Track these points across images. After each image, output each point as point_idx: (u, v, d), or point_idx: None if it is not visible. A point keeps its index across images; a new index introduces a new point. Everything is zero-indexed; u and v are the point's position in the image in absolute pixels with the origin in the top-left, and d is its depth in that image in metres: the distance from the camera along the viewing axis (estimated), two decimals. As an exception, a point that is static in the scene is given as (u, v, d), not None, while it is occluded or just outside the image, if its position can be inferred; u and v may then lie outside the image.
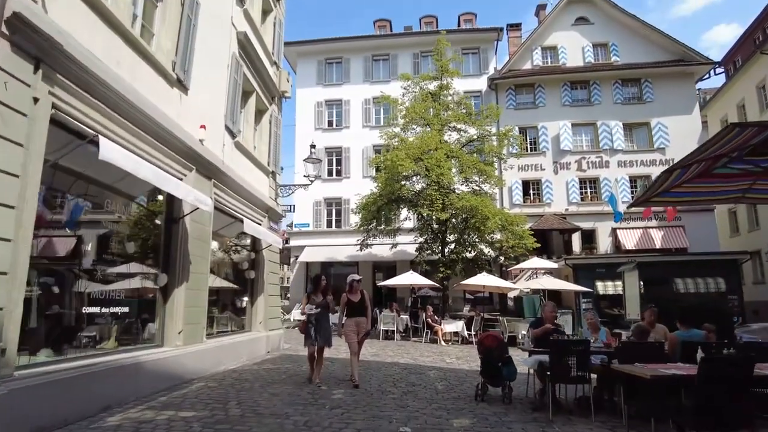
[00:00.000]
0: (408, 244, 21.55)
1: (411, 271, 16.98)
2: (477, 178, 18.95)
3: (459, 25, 27.83)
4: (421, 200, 18.05)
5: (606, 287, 18.55)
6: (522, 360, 6.83)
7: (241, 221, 9.09)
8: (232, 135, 9.15)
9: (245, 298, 10.53)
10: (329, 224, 25.32)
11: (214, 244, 8.79)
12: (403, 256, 21.94)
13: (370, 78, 25.67)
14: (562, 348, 5.99)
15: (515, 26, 29.29)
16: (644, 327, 6.40)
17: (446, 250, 18.96)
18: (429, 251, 19.13)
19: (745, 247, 22.22)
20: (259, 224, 10.25)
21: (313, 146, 11.08)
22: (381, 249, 22.40)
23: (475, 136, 19.60)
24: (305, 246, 24.38)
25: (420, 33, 26.46)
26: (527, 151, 25.01)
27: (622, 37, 25.49)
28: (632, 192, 24.03)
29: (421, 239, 19.66)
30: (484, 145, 19.65)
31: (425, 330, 15.29)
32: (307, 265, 24.71)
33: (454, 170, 17.68)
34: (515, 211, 21.09)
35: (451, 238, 19.49)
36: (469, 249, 19.07)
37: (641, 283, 11.00)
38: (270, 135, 10.98)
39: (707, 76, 25.66)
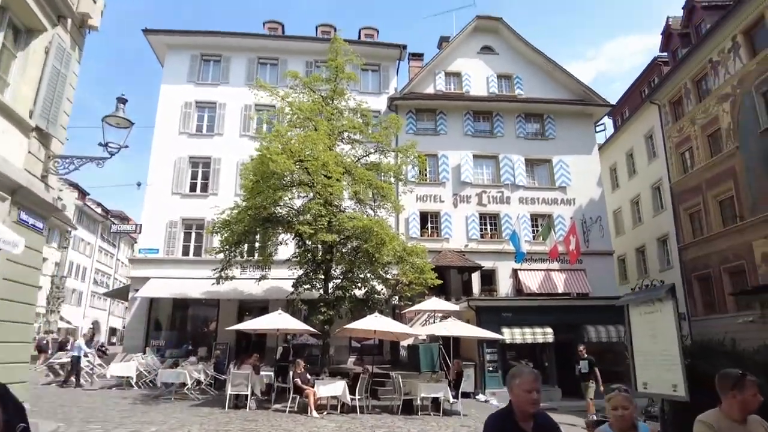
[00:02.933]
0: (284, 280, 17.39)
1: (279, 311, 12.78)
2: (372, 200, 15.63)
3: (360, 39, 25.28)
4: (301, 218, 14.18)
5: (513, 334, 15.90)
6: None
7: None
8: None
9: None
10: (186, 251, 20.20)
11: None
12: (277, 293, 17.64)
13: (253, 82, 21.65)
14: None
15: (417, 56, 27.60)
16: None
17: (330, 286, 15.14)
18: (309, 286, 15.16)
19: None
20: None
21: (122, 100, 6.77)
22: (250, 284, 17.94)
23: (371, 150, 16.39)
24: (150, 278, 18.96)
25: (315, 39, 23.32)
26: (426, 180, 22.57)
27: (526, 70, 24.64)
28: (533, 231, 22.46)
29: (299, 271, 15.66)
30: (381, 161, 16.48)
31: (291, 394, 11.06)
32: (151, 302, 19.22)
33: (345, 183, 14.09)
34: (412, 244, 18.04)
35: (338, 271, 15.76)
36: (359, 285, 15.45)
37: (677, 320, 5.99)
38: (43, 72, 6.58)
39: (602, 124, 25.68)
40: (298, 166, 13.17)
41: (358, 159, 16.09)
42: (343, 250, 15.03)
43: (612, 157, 29.30)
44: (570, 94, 24.29)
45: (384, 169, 16.14)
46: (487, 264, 20.87)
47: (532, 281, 21.23)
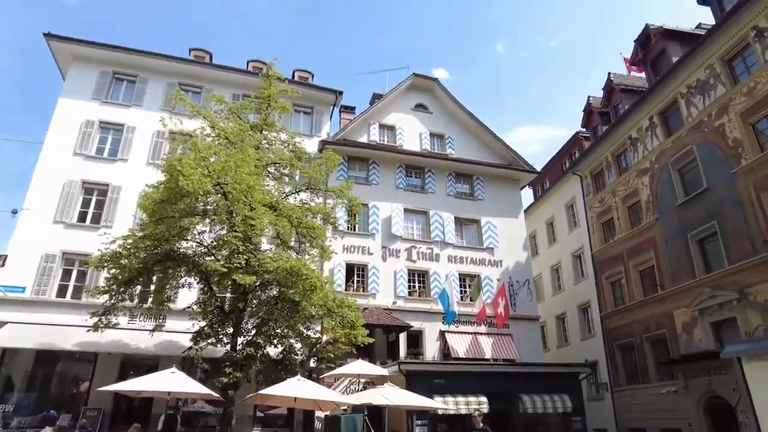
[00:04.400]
0: (182, 333, 14.64)
1: (174, 369, 10.19)
2: (298, 242, 13.78)
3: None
4: (212, 256, 11.93)
5: (446, 403, 14.26)
6: None
7: None
8: None
9: None
10: (63, 292, 16.65)
11: None
12: (172, 348, 14.73)
13: (171, 107, 19.47)
14: None
15: (349, 108, 27.09)
16: None
17: (240, 342, 12.75)
18: (214, 340, 12.65)
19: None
20: None
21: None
22: (139, 336, 14.93)
23: (302, 188, 14.72)
24: (7, 322, 15.15)
25: (245, 72, 21.86)
26: (355, 230, 21.14)
27: (458, 131, 24.79)
28: (462, 291, 21.55)
29: (202, 322, 13.12)
30: (312, 202, 14.83)
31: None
32: (4, 353, 15.29)
33: (267, 221, 12.13)
34: (342, 296, 16.15)
35: (250, 324, 13.44)
36: (275, 342, 13.19)
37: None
38: None
39: (528, 187, 26.24)
40: (215, 190, 11.12)
41: (286, 195, 14.33)
42: (262, 298, 12.84)
43: (531, 225, 29.88)
44: (498, 158, 24.62)
45: (314, 210, 14.45)
46: (414, 324, 19.39)
47: (459, 345, 19.97)
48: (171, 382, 9.98)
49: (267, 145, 14.66)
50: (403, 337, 19.31)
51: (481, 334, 20.68)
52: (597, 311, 22.50)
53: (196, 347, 12.56)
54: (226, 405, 12.19)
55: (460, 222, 22.91)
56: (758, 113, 15.41)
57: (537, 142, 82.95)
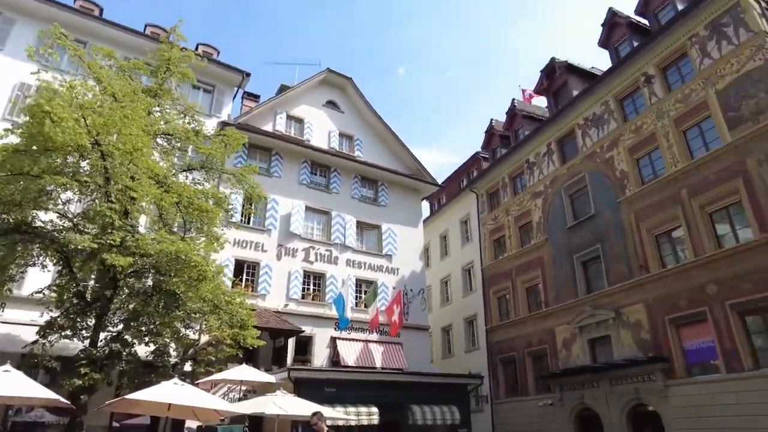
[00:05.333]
0: (26, 325, 12.00)
1: (7, 366, 7.97)
2: (185, 227, 12.01)
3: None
4: (78, 229, 9.79)
5: (338, 414, 13.28)
6: None
7: None
8: None
9: None
10: None
11: None
12: (11, 343, 11.97)
13: (43, 58, 16.23)
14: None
15: (253, 96, 25.35)
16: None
17: (103, 338, 10.66)
18: (70, 332, 10.40)
19: (452, 373, 20.98)
20: None
21: None
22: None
23: (196, 165, 12.94)
24: None
25: (141, 34, 19.20)
26: (249, 223, 19.49)
27: (367, 134, 24.29)
28: (357, 297, 20.84)
29: (55, 312, 10.77)
30: (207, 183, 13.10)
31: None
32: None
33: (151, 198, 10.30)
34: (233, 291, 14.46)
35: (117, 317, 11.36)
36: (147, 340, 11.25)
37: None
38: None
39: (425, 200, 26.51)
40: (92, 147, 9.10)
41: (175, 173, 12.46)
42: (136, 286, 10.88)
43: (426, 237, 30.21)
44: (404, 167, 24.53)
45: (208, 193, 12.71)
46: (305, 329, 18.19)
47: (350, 352, 19.16)
48: (1, 383, 7.78)
49: (159, 113, 12.70)
50: (291, 343, 18.00)
51: (373, 342, 20.12)
52: (483, 325, 23.15)
53: (44, 341, 10.23)
54: (76, 413, 10.02)
55: (361, 226, 22.30)
56: (642, 150, 16.94)
57: (427, 165, 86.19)
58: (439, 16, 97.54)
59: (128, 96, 11.11)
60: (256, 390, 14.31)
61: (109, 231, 9.12)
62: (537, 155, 22.16)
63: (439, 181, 26.11)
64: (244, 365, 12.96)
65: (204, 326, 12.63)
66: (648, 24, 18.46)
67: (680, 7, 16.75)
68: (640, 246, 16.08)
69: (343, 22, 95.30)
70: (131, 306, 11.01)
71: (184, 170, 12.92)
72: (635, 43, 18.22)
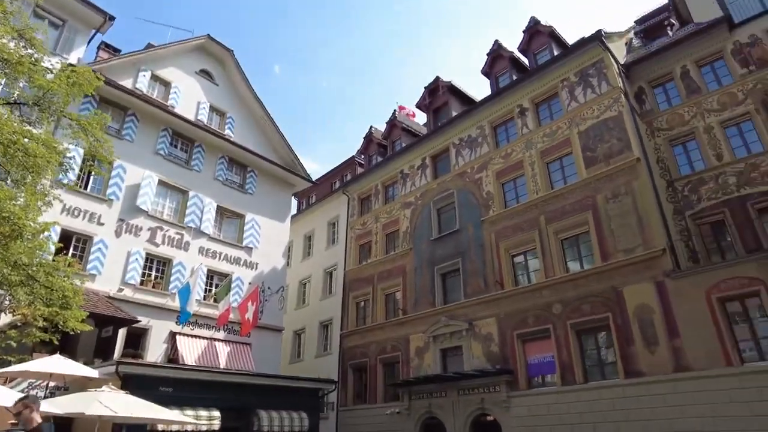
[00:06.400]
0: None
1: None
2: (12, 176, 9.31)
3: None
4: None
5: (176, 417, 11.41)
6: None
7: None
8: None
9: None
10: None
11: None
12: None
13: None
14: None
15: (112, 49, 21.83)
16: None
17: None
18: None
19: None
20: None
21: None
22: None
23: (28, 100, 10.22)
24: None
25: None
26: (86, 188, 16.38)
27: (242, 114, 22.40)
28: (206, 290, 18.79)
29: None
30: (42, 127, 10.41)
31: None
32: None
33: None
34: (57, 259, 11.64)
35: None
36: None
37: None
38: None
39: (298, 198, 25.34)
40: None
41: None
42: None
43: (289, 236, 29.07)
44: (278, 157, 23.14)
45: (38, 138, 10.06)
46: (142, 319, 15.67)
47: (191, 350, 17.06)
48: None
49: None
50: (122, 334, 15.35)
51: (219, 340, 18.25)
52: (338, 329, 22.60)
53: None
54: None
55: (222, 212, 20.30)
56: (509, 175, 18.17)
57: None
58: (326, 21, 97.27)
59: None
60: (68, 386, 11.71)
61: None
62: (412, 167, 22.59)
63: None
64: (57, 356, 10.45)
65: (8, 301, 9.88)
66: (527, 62, 20.10)
67: (556, 52, 18.54)
68: (498, 263, 17.07)
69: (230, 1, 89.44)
70: None
71: (7, 102, 10.11)
72: (514, 77, 19.69)
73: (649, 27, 19.87)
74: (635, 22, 21.56)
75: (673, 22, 19.11)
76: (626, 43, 19.12)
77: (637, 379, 12.38)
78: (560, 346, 14.24)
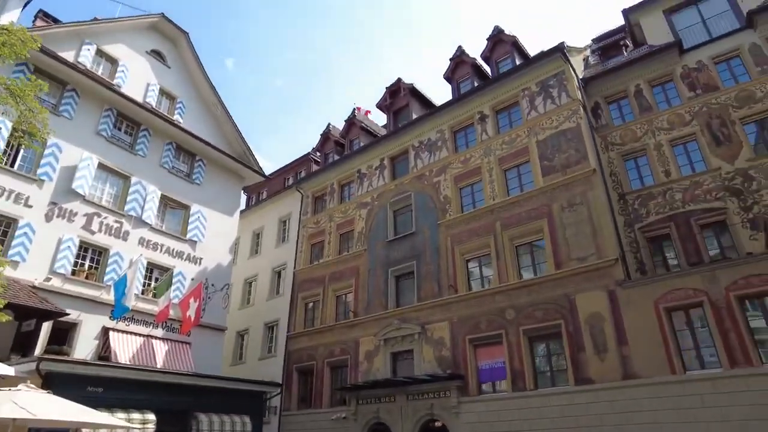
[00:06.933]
0: None
1: None
2: None
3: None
4: None
5: (98, 420, 10.36)
6: None
7: None
8: None
9: None
10: None
11: None
12: None
13: None
14: None
15: (49, 19, 20.12)
16: None
17: None
18: None
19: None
20: None
21: None
22: None
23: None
24: None
25: None
26: (13, 165, 14.87)
27: (193, 100, 21.26)
28: (145, 284, 17.55)
29: None
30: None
31: None
32: None
33: None
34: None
35: None
36: None
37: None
38: None
39: (247, 193, 24.33)
40: None
41: None
42: None
43: (237, 231, 27.90)
44: (229, 147, 22.11)
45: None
46: (71, 313, 14.31)
47: (125, 348, 15.78)
48: None
49: None
50: (46, 328, 13.94)
51: (156, 338, 17.05)
52: (284, 331, 21.78)
53: None
54: None
55: (166, 202, 19.09)
56: (467, 180, 18.17)
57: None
58: (286, 21, 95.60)
59: None
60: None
61: None
62: (369, 167, 22.23)
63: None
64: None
65: None
66: (489, 70, 20.30)
67: (518, 62, 18.82)
68: (452, 267, 16.98)
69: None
70: None
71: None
72: (476, 83, 19.81)
73: (605, 46, 20.59)
74: (592, 40, 22.32)
75: (628, 43, 19.90)
76: (584, 59, 19.71)
77: (587, 386, 12.54)
78: (512, 352, 14.26)
